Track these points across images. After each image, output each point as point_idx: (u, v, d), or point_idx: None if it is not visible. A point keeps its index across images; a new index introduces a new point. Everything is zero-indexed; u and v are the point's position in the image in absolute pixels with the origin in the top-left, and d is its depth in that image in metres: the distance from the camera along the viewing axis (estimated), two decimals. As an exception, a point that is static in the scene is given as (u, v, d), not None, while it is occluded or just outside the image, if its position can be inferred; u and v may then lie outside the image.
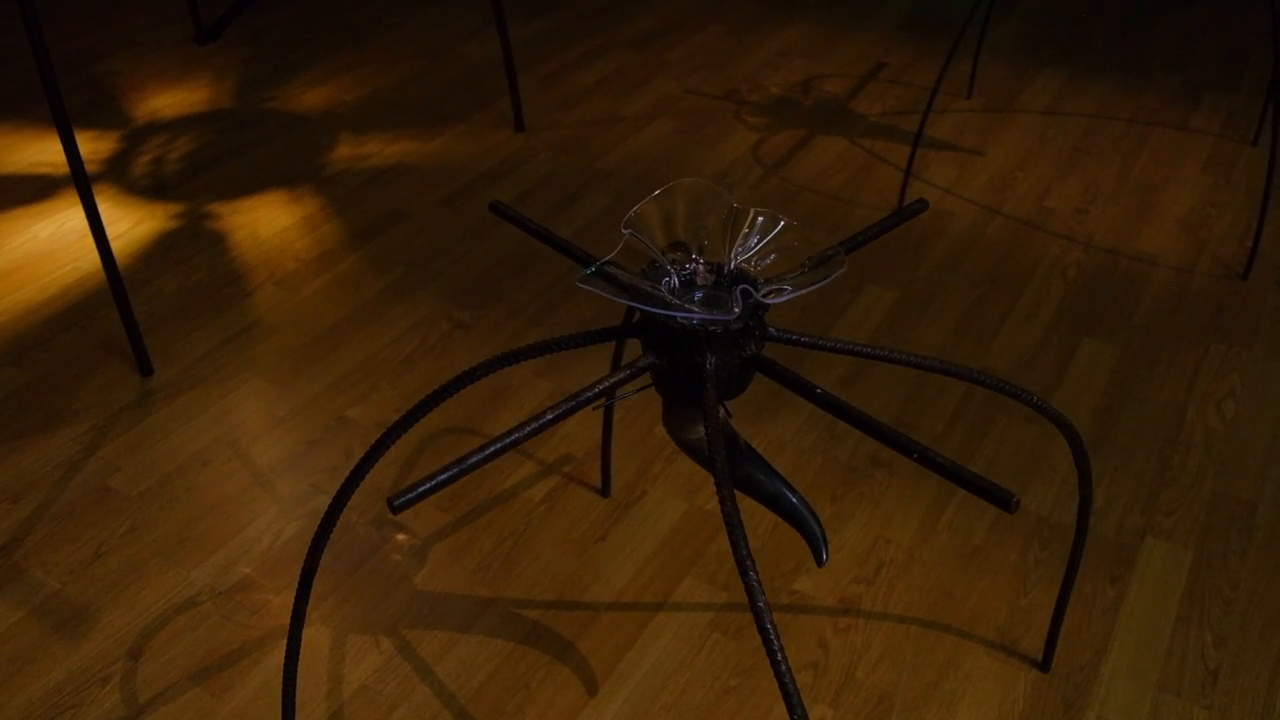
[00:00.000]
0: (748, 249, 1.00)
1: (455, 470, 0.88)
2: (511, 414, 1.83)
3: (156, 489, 1.68)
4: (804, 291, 0.93)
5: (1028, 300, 2.11)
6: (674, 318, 0.93)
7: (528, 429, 0.91)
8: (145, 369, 1.90)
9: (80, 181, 1.70)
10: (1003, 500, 0.80)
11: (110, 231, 2.32)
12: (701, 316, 0.93)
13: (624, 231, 1.00)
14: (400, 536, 1.61)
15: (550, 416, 0.92)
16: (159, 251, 2.26)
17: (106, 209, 2.39)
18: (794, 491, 1.06)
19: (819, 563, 1.05)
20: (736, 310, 0.93)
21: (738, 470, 1.05)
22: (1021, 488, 1.71)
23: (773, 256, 1.00)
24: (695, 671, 1.42)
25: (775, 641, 0.84)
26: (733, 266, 1.00)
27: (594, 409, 0.95)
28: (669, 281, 0.98)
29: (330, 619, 1.48)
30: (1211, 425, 1.82)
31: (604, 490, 1.68)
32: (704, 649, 1.45)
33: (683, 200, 1.03)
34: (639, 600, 1.52)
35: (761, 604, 0.86)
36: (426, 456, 1.74)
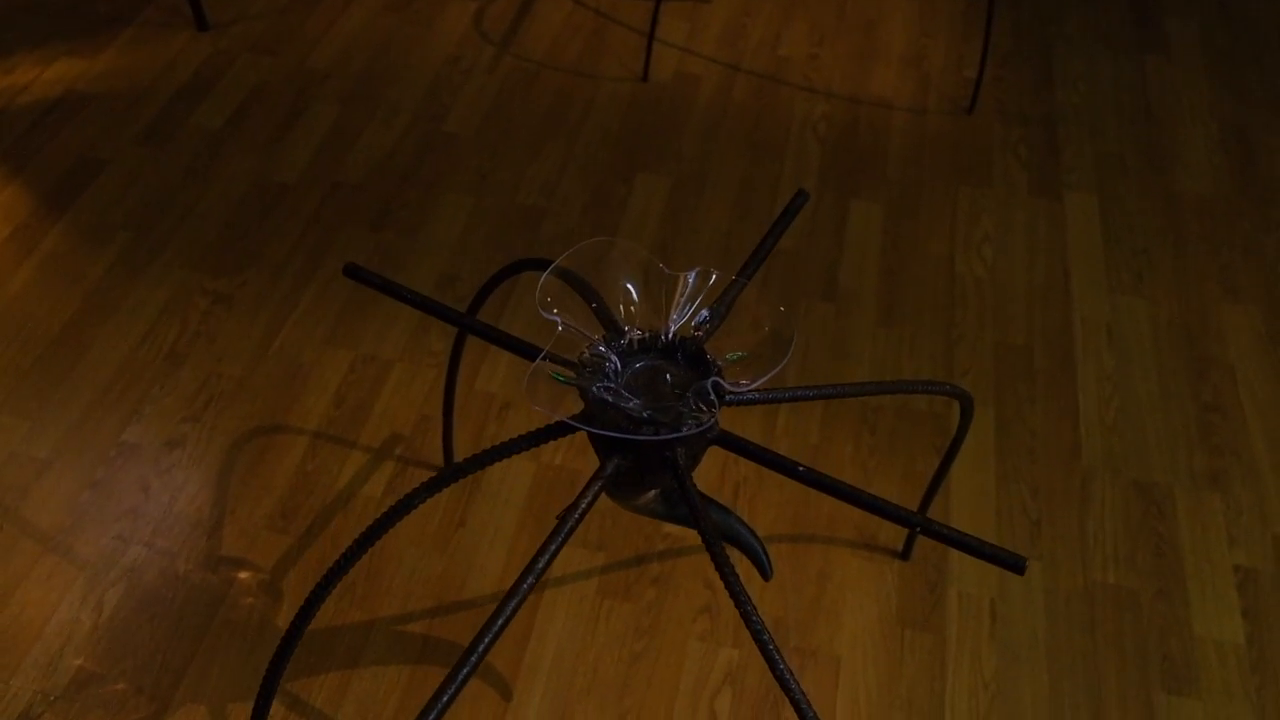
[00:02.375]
0: (682, 313, 0.93)
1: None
2: (315, 396, 1.67)
3: (-83, 586, 1.41)
4: (772, 374, 0.88)
5: (790, 167, 2.15)
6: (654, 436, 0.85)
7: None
8: None
9: None
10: (1015, 564, 0.83)
11: None
12: (687, 433, 0.85)
13: (548, 316, 0.90)
14: (243, 575, 1.46)
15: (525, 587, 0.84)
16: None
17: None
18: (738, 519, 1.05)
19: (766, 577, 1.06)
20: (716, 414, 0.87)
21: (678, 510, 1.02)
22: (838, 372, 1.79)
23: (703, 312, 0.94)
24: (600, 646, 1.43)
25: (800, 699, 0.85)
26: (673, 335, 0.92)
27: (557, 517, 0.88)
28: (611, 366, 0.90)
29: (199, 693, 1.34)
30: (978, 274, 1.97)
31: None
32: (600, 619, 1.46)
33: (588, 263, 0.93)
34: (522, 584, 1.48)
35: (782, 667, 0.86)
36: (241, 465, 1.56)
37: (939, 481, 1.43)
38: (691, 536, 1.55)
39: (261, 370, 1.69)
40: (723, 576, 0.83)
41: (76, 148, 2.03)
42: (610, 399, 0.85)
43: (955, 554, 1.56)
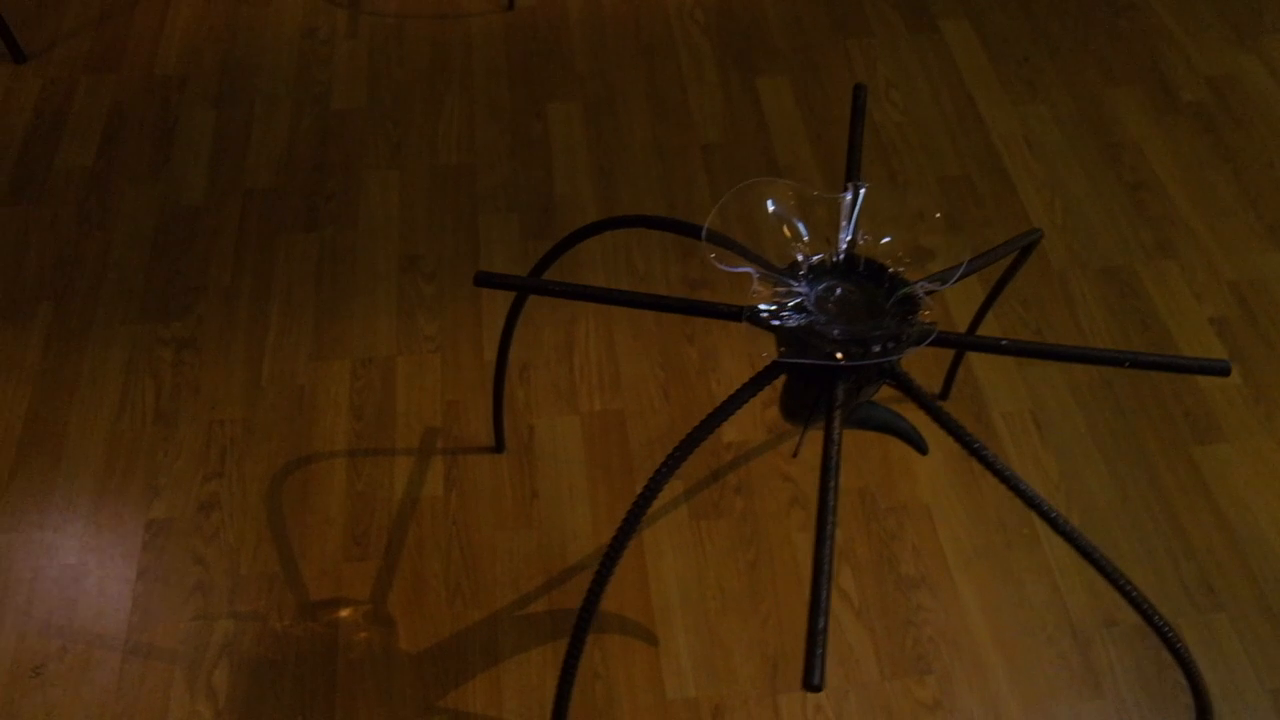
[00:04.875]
0: (848, 232, 0.93)
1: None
2: (331, 416, 1.59)
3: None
4: (961, 273, 0.90)
5: (686, 61, 2.14)
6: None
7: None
8: None
9: None
10: (1219, 369, 0.89)
11: None
12: (922, 344, 0.86)
13: (737, 269, 0.89)
14: (344, 613, 1.40)
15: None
16: None
17: None
18: (894, 414, 1.08)
19: (924, 452, 1.11)
20: (928, 316, 0.87)
21: (856, 413, 1.05)
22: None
23: (867, 234, 0.94)
24: (715, 566, 1.46)
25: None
26: (843, 254, 0.93)
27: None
28: (806, 297, 0.89)
29: (357, 739, 1.30)
30: (896, 120, 2.04)
31: (498, 447, 1.56)
32: (703, 542, 1.48)
33: (749, 204, 0.92)
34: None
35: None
36: (288, 507, 1.48)
37: (987, 309, 1.47)
38: (754, 439, 1.58)
39: (263, 405, 1.59)
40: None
41: (-59, 228, 1.81)
42: (836, 332, 0.85)
43: (985, 381, 1.66)
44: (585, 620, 0.90)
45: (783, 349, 0.90)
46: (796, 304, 0.88)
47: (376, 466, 1.53)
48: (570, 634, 0.92)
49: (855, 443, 1.58)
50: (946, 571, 1.46)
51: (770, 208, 0.92)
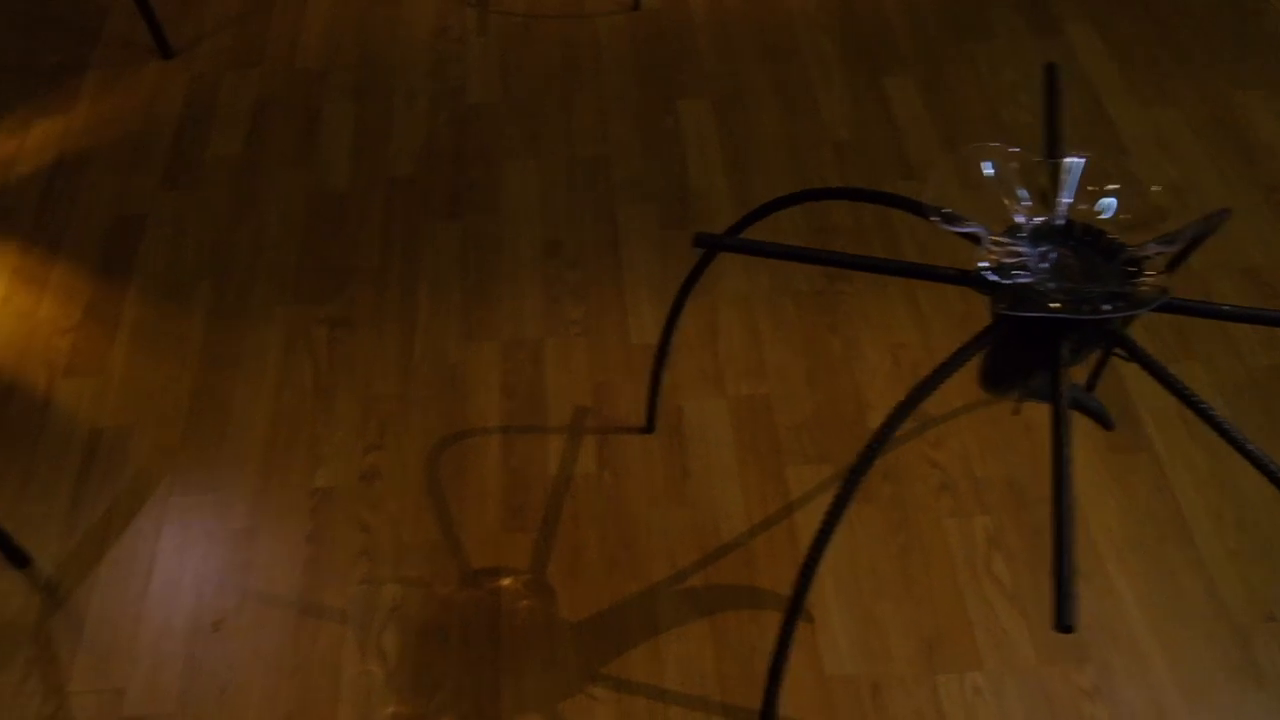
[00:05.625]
0: (1067, 199, 0.95)
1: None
2: (483, 395, 1.62)
3: (181, 712, 1.33)
4: (1184, 242, 0.92)
5: (811, 60, 2.17)
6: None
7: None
8: (20, 562, 1.43)
9: None
10: None
11: None
12: (1164, 299, 0.87)
13: (966, 229, 0.90)
14: (505, 582, 1.43)
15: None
16: None
17: None
18: (1083, 391, 1.09)
19: (1110, 428, 1.12)
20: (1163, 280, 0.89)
21: (1048, 386, 1.06)
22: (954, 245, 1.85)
23: (1108, 201, 0.96)
24: (867, 551, 1.47)
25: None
26: (1064, 219, 0.94)
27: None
28: (1031, 258, 0.91)
29: (524, 704, 1.32)
30: (1026, 121, 2.05)
31: (649, 427, 1.58)
32: (855, 526, 1.49)
33: (970, 166, 0.94)
34: (769, 514, 1.50)
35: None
36: (446, 479, 1.52)
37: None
38: (900, 428, 1.59)
39: (416, 382, 1.63)
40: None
41: (104, 208, 1.88)
42: (1062, 292, 0.87)
43: (1129, 376, 1.65)
44: (802, 589, 0.92)
45: (1002, 307, 0.91)
46: (1018, 264, 0.90)
47: (529, 443, 1.57)
48: (784, 614, 0.94)
49: (1002, 432, 1.59)
50: (1099, 562, 1.46)
51: (989, 170, 0.94)
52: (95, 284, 1.77)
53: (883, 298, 1.75)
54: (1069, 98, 2.08)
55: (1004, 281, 0.88)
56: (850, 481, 0.93)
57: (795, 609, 0.96)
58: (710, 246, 0.95)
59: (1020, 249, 0.91)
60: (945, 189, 0.94)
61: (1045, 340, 0.90)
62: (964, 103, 2.07)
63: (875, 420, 1.60)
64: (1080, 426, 1.57)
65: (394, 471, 1.53)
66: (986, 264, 0.89)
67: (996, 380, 1.04)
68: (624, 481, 1.52)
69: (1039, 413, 1.60)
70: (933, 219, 0.91)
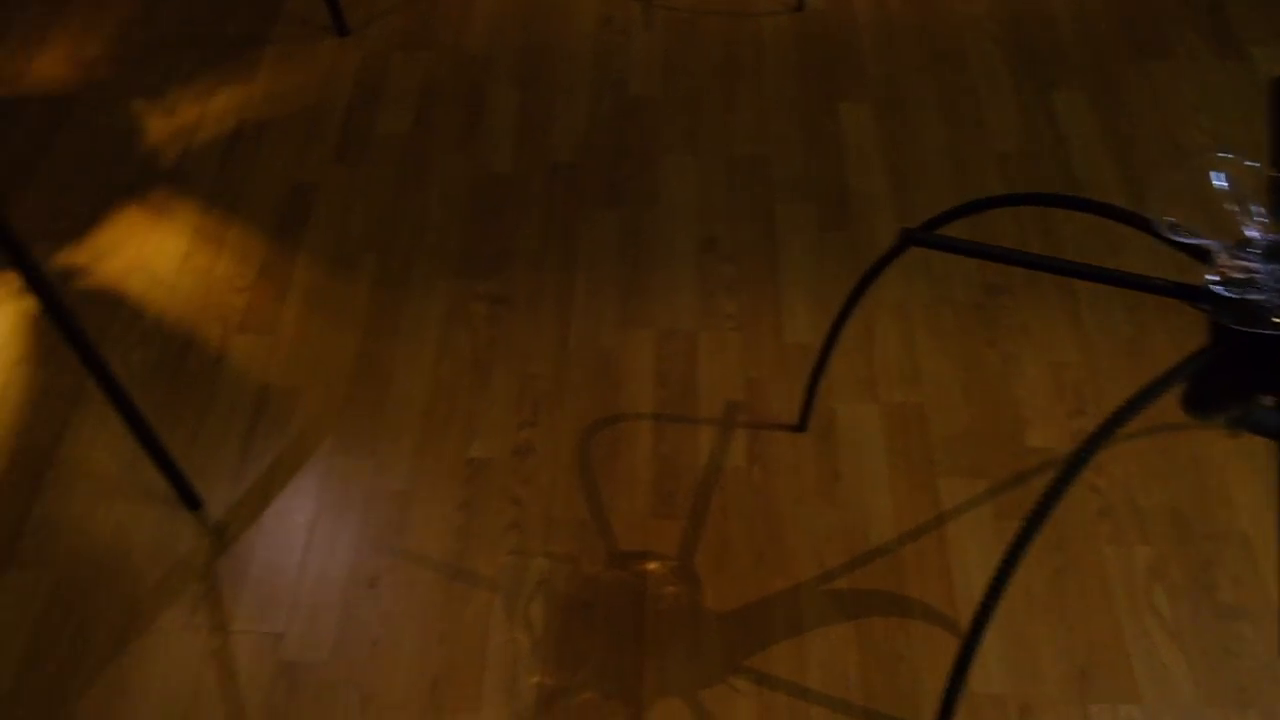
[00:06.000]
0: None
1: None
2: (636, 381, 1.64)
3: (334, 661, 1.38)
4: None
5: (980, 72, 2.13)
6: None
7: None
8: (193, 504, 1.49)
9: None
10: None
11: (-55, 342, 1.72)
12: None
13: (1194, 240, 0.88)
14: (652, 566, 1.44)
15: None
16: (41, 352, 1.72)
17: (-93, 312, 1.76)
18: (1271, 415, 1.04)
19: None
20: None
21: (1252, 415, 1.02)
22: (1118, 261, 1.79)
23: None
24: (1021, 567, 1.43)
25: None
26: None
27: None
28: (1269, 270, 0.87)
29: (667, 688, 1.33)
30: (1203, 144, 1.97)
31: (801, 425, 1.57)
32: (1005, 541, 1.45)
33: (1193, 178, 0.91)
34: (919, 523, 1.48)
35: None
36: (597, 461, 1.53)
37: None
38: (1060, 447, 1.55)
39: (572, 365, 1.66)
40: None
41: (278, 176, 1.95)
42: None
43: None
44: (990, 604, 0.90)
45: (1230, 322, 0.88)
46: (1249, 280, 0.86)
47: (680, 432, 1.57)
48: (969, 627, 0.92)
49: (1168, 461, 1.53)
50: (1269, 606, 1.40)
51: (1219, 183, 0.91)
52: (269, 247, 1.84)
53: (1044, 314, 1.71)
54: (1254, 123, 2.00)
55: (1234, 297, 0.85)
56: (1039, 512, 0.90)
57: (971, 645, 0.94)
58: (916, 244, 0.94)
59: (1254, 265, 0.87)
60: (1169, 201, 0.91)
61: (1271, 362, 0.87)
62: (1137, 121, 2.01)
63: (1033, 438, 1.56)
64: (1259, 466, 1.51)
65: (546, 449, 1.55)
66: (1216, 278, 0.86)
67: (1206, 404, 1.00)
68: (773, 478, 1.52)
69: (1206, 446, 1.54)
70: (1162, 233, 0.88)
